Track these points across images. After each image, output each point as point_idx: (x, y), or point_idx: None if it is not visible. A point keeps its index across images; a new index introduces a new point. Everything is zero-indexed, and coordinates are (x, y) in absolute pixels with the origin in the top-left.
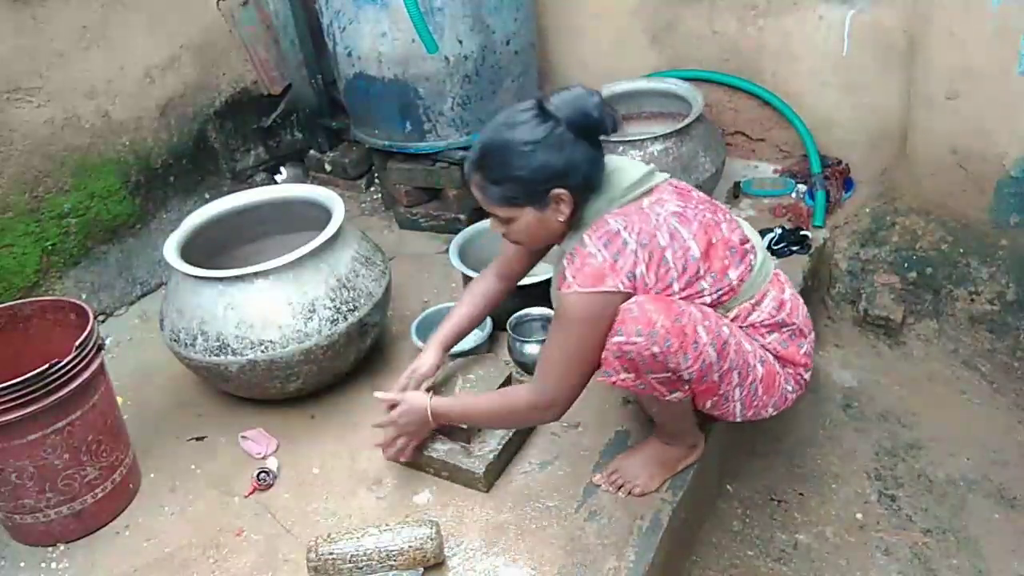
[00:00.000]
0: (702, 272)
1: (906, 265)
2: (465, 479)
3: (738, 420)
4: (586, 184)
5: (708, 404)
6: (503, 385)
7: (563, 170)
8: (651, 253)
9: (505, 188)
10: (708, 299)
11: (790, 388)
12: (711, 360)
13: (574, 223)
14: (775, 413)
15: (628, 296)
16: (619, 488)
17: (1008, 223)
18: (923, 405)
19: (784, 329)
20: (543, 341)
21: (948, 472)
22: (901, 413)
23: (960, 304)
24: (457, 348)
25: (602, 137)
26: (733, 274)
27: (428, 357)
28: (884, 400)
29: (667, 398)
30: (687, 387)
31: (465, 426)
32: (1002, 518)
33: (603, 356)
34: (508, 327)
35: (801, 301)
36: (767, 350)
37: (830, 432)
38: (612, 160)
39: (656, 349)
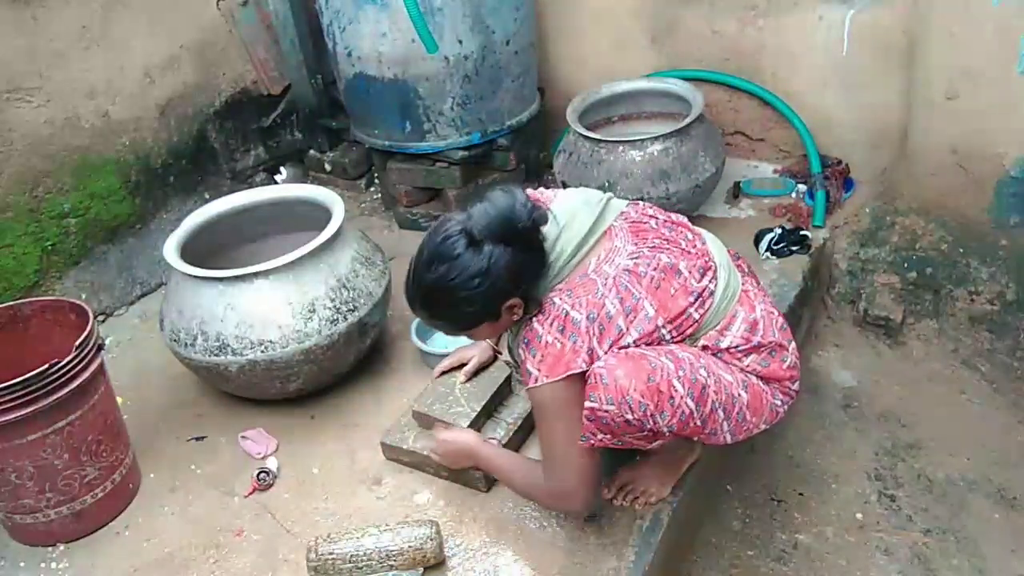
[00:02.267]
0: (660, 325)
1: (906, 265)
2: (465, 479)
3: (729, 443)
4: (534, 282)
5: (695, 438)
6: (503, 385)
7: (511, 286)
8: (601, 326)
9: (458, 323)
10: (670, 340)
11: (779, 402)
12: (690, 410)
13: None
14: (767, 427)
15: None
16: (634, 500)
17: (1008, 223)
18: (923, 405)
19: (762, 349)
20: None
21: (948, 472)
22: (901, 413)
23: (960, 304)
24: (457, 347)
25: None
26: (695, 314)
27: (477, 355)
28: (884, 400)
29: (649, 447)
30: (669, 435)
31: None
32: (1002, 518)
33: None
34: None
35: (776, 313)
36: (747, 372)
37: (830, 432)
38: (564, 207)
39: (630, 416)
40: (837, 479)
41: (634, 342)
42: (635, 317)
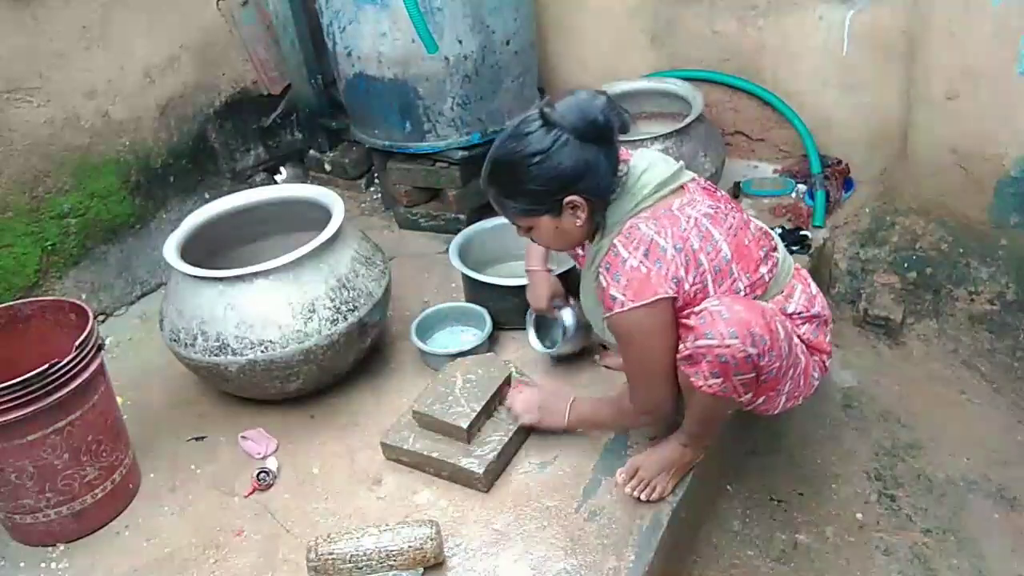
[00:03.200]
0: (736, 272)
1: (906, 265)
2: (465, 479)
3: (776, 413)
4: (600, 188)
5: (760, 400)
6: (503, 385)
7: (573, 178)
8: (687, 257)
9: (519, 201)
10: (743, 294)
11: (816, 375)
12: (785, 354)
13: (597, 226)
14: (802, 402)
15: (675, 300)
16: (641, 491)
17: (1008, 223)
18: (923, 405)
19: (814, 320)
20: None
21: (948, 472)
22: (901, 413)
23: (960, 304)
24: (457, 348)
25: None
26: (764, 270)
27: (541, 291)
28: (884, 400)
29: (740, 399)
30: (760, 386)
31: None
32: (1002, 518)
33: (693, 360)
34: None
35: (821, 293)
36: (801, 340)
37: (830, 432)
38: (644, 156)
39: (752, 350)
40: (837, 479)
41: (713, 288)
42: (715, 257)
